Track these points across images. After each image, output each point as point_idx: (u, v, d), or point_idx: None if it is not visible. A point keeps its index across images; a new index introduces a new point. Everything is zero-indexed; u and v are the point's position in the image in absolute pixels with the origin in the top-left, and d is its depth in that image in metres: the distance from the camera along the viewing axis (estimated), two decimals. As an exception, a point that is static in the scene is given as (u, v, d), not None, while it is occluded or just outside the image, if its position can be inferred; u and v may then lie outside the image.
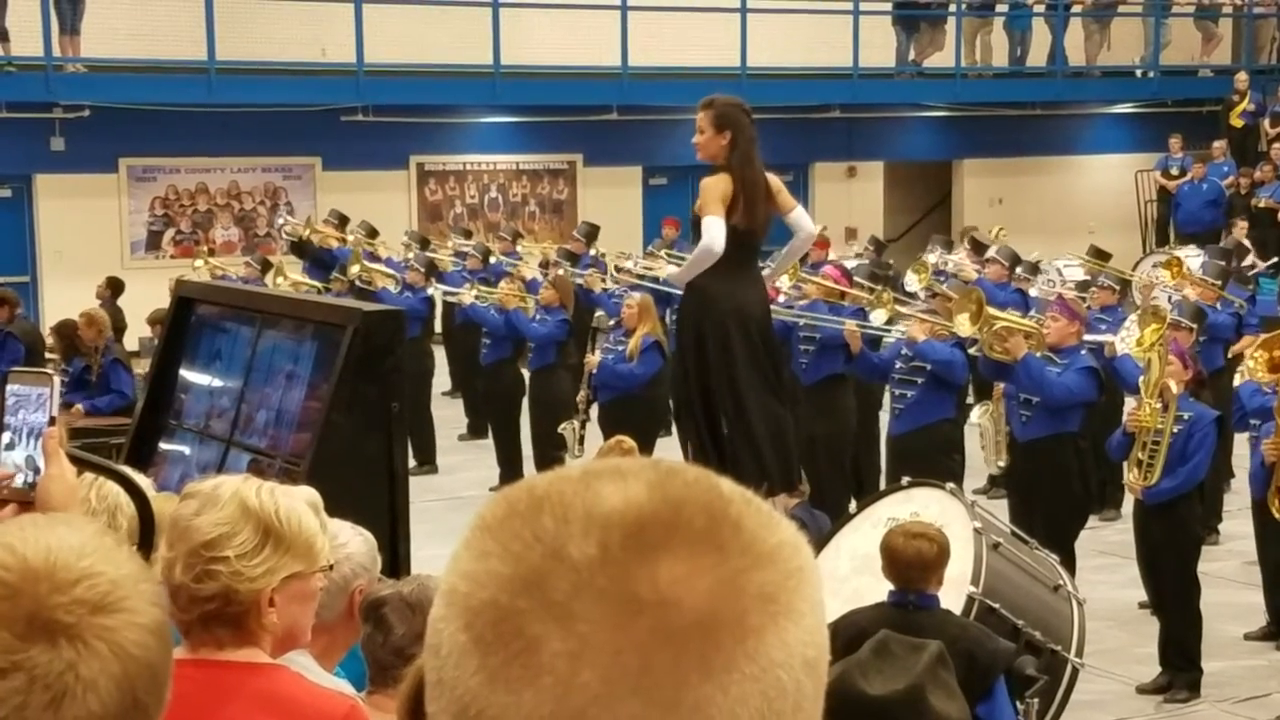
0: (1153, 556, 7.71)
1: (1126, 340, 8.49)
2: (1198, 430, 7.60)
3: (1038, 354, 8.26)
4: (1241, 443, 9.59)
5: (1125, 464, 7.84)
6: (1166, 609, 7.74)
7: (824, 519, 7.74)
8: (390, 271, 13.89)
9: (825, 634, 0.96)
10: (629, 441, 7.86)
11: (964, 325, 8.71)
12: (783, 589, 0.93)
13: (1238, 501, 9.92)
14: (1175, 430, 7.59)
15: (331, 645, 3.29)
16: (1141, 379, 7.86)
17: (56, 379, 2.21)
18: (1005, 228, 17.10)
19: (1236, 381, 8.96)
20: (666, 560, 0.90)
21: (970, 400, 10.50)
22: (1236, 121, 20.73)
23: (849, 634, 4.95)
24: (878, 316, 10.20)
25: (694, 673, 0.89)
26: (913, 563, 5.22)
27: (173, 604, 2.54)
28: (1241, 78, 20.99)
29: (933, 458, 8.73)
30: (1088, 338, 8.80)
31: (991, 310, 8.89)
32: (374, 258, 14.56)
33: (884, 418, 10.34)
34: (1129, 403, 8.22)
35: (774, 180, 7.20)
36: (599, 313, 12.05)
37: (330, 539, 3.29)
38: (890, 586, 5.31)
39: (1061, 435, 8.20)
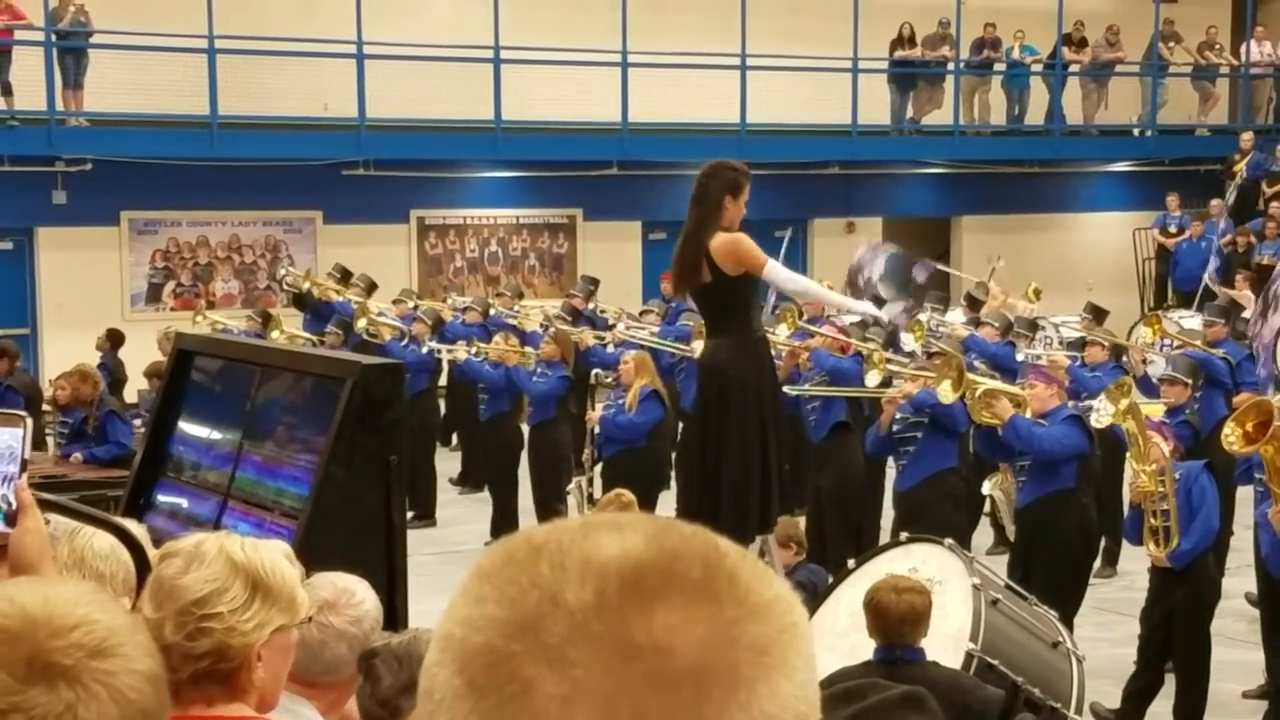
0: (1169, 617, 7.67)
1: (1100, 417, 8.55)
2: (1193, 484, 7.63)
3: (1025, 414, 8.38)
4: (1244, 501, 9.56)
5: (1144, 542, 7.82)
6: (1176, 670, 7.70)
7: (821, 575, 7.73)
8: (396, 324, 13.91)
9: (817, 690, 0.96)
10: (628, 495, 7.88)
11: (946, 393, 8.81)
12: (776, 642, 0.93)
13: (1236, 559, 9.88)
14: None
15: (339, 700, 3.28)
16: (1130, 452, 7.92)
17: (29, 421, 2.20)
18: (1012, 287, 17.12)
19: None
20: (662, 608, 0.91)
21: (973, 449, 10.50)
22: (1239, 169, 20.77)
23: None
24: (871, 378, 10.26)
25: None
26: (906, 617, 5.22)
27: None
28: (1247, 137, 21.08)
29: (941, 512, 8.76)
30: (1071, 405, 8.85)
31: (972, 376, 9.01)
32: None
33: (890, 474, 10.34)
34: (1128, 470, 8.26)
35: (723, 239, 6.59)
36: (595, 371, 12.08)
37: (348, 595, 3.29)
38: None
39: (1058, 492, 8.27)
